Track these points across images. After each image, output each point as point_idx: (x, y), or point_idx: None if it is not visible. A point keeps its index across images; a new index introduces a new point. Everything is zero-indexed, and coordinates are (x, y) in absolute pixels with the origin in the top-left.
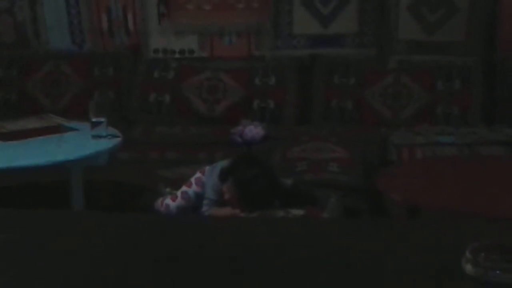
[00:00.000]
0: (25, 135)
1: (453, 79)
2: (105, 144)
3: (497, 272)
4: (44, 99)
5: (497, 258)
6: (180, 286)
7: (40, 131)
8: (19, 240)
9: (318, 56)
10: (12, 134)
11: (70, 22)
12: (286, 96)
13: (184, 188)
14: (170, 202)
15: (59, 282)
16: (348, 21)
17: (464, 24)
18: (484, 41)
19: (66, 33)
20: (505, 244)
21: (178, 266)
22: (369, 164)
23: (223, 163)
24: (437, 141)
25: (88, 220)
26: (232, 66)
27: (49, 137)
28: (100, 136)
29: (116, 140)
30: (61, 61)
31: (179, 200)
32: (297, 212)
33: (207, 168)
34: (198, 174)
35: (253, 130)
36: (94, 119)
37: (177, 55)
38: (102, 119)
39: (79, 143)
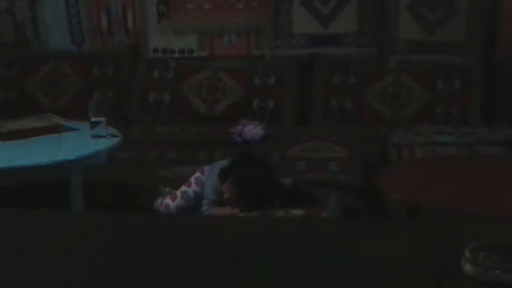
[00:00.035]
0: (25, 135)
1: (453, 79)
2: (104, 144)
3: (497, 272)
4: (43, 99)
5: (496, 258)
6: (180, 286)
7: (39, 131)
8: (19, 240)
9: (318, 55)
10: (12, 133)
11: (69, 22)
12: (285, 96)
13: (183, 187)
14: (169, 201)
15: (59, 282)
16: (348, 21)
17: (464, 24)
18: (484, 41)
19: (65, 33)
20: (504, 244)
21: (178, 266)
22: (369, 163)
23: (222, 163)
24: (437, 140)
25: (88, 220)
26: (231, 66)
27: (48, 136)
28: (99, 136)
29: (116, 140)
30: (60, 61)
31: (178, 200)
32: (297, 211)
33: (206, 167)
34: (197, 174)
35: (252, 129)
36: (93, 119)
37: (176, 55)
38: (102, 119)
39: (79, 142)
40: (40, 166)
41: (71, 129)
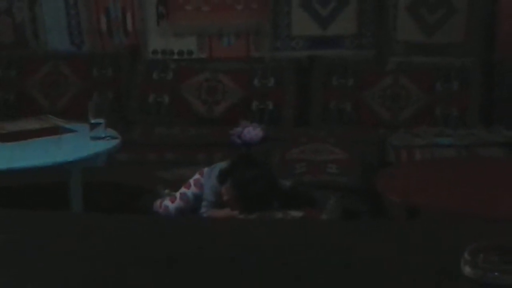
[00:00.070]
0: (24, 136)
1: (452, 80)
2: (104, 145)
3: (496, 273)
4: (42, 99)
5: (495, 259)
6: (179, 287)
7: (39, 133)
8: (19, 240)
9: (317, 57)
10: (11, 135)
11: (69, 23)
12: (285, 97)
13: (182, 189)
14: (169, 203)
15: (58, 283)
16: (347, 23)
17: (463, 25)
18: (483, 42)
19: (65, 34)
20: (503, 246)
21: (177, 268)
22: (368, 165)
23: (221, 165)
24: (435, 142)
25: (87, 221)
26: (231, 67)
27: (48, 138)
28: (99, 138)
29: (115, 141)
30: (60, 61)
31: (177, 202)
32: (296, 213)
33: (205, 169)
34: (197, 176)
35: (252, 131)
36: (93, 121)
37: (176, 56)
38: (101, 120)
39: (78, 144)
40: (39, 168)
41: (70, 130)
